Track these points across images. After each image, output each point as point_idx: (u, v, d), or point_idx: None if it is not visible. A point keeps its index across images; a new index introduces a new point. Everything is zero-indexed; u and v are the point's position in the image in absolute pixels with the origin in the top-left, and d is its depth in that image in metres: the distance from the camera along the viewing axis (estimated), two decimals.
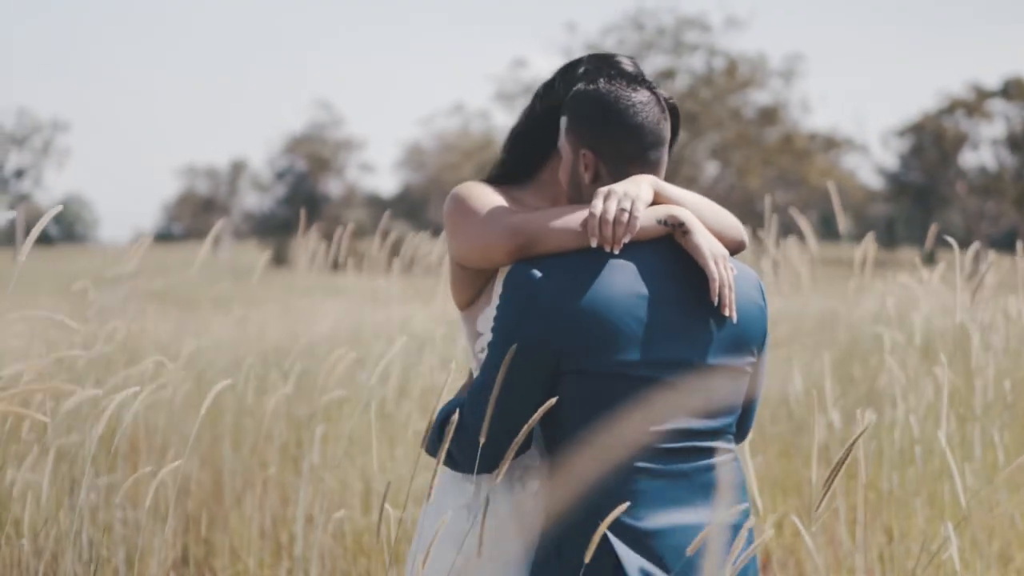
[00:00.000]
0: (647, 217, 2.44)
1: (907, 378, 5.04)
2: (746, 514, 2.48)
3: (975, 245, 5.24)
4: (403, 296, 7.75)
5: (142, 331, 5.74)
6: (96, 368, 4.94)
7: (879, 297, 6.01)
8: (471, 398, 2.42)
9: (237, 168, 65.31)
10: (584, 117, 2.52)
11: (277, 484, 5.20)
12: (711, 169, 45.99)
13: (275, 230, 53.03)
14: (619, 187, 2.43)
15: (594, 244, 2.38)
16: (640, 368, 2.37)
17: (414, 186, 64.68)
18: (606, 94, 2.51)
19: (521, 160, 2.71)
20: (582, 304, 2.36)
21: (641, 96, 2.51)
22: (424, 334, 6.57)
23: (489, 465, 2.42)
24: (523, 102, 30.75)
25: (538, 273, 2.39)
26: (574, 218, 2.44)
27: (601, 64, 2.66)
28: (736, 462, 2.51)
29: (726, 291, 2.43)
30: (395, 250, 7.65)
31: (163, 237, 65.22)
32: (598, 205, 2.39)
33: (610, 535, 2.34)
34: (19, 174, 59.85)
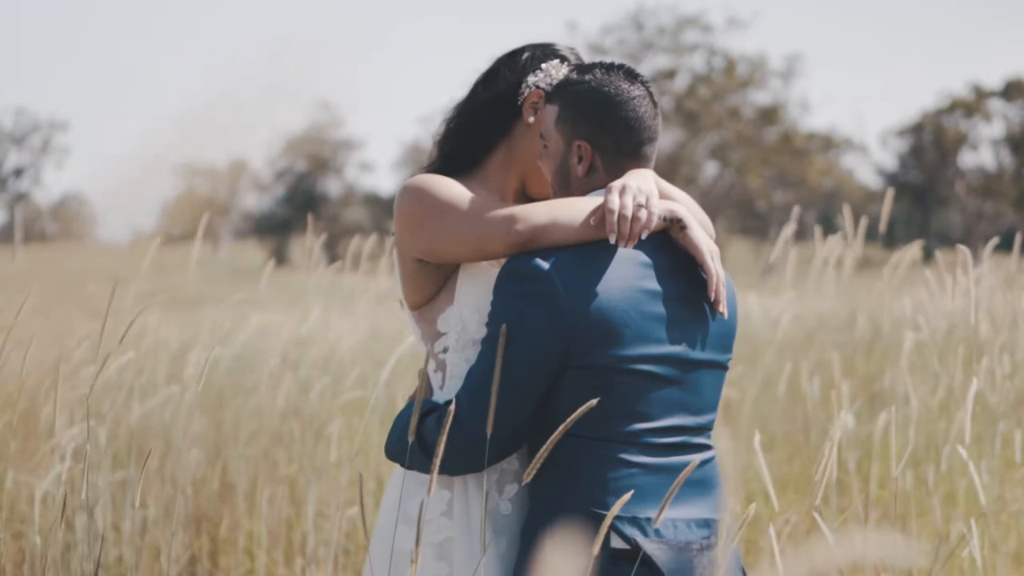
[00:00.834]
0: None
1: (923, 376, 5.02)
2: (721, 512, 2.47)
3: (993, 241, 5.25)
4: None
5: (157, 337, 5.70)
6: (126, 374, 4.88)
7: (909, 297, 5.99)
8: (469, 395, 2.33)
9: (237, 168, 65.30)
10: (582, 107, 2.46)
11: (287, 480, 5.18)
12: (710, 169, 46.00)
13: (275, 229, 52.98)
14: (631, 182, 2.40)
15: (612, 240, 2.35)
16: (643, 363, 2.35)
17: None
18: (606, 86, 2.46)
19: (466, 150, 2.63)
20: (593, 297, 2.33)
21: (638, 90, 2.48)
22: None
23: (477, 465, 2.34)
24: None
25: (545, 264, 2.34)
26: (581, 211, 2.40)
27: (544, 52, 2.61)
28: (714, 459, 2.49)
29: (722, 288, 2.42)
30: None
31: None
32: (614, 200, 2.35)
33: (615, 526, 2.30)
34: (18, 173, 59.81)
